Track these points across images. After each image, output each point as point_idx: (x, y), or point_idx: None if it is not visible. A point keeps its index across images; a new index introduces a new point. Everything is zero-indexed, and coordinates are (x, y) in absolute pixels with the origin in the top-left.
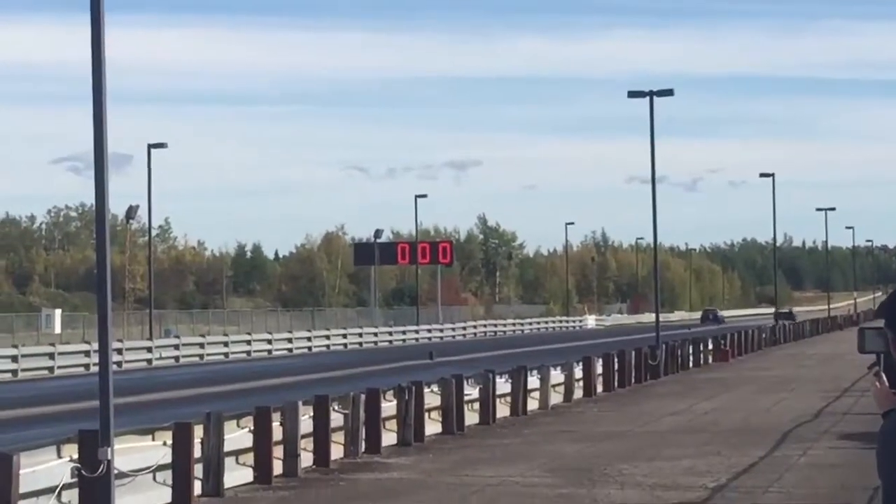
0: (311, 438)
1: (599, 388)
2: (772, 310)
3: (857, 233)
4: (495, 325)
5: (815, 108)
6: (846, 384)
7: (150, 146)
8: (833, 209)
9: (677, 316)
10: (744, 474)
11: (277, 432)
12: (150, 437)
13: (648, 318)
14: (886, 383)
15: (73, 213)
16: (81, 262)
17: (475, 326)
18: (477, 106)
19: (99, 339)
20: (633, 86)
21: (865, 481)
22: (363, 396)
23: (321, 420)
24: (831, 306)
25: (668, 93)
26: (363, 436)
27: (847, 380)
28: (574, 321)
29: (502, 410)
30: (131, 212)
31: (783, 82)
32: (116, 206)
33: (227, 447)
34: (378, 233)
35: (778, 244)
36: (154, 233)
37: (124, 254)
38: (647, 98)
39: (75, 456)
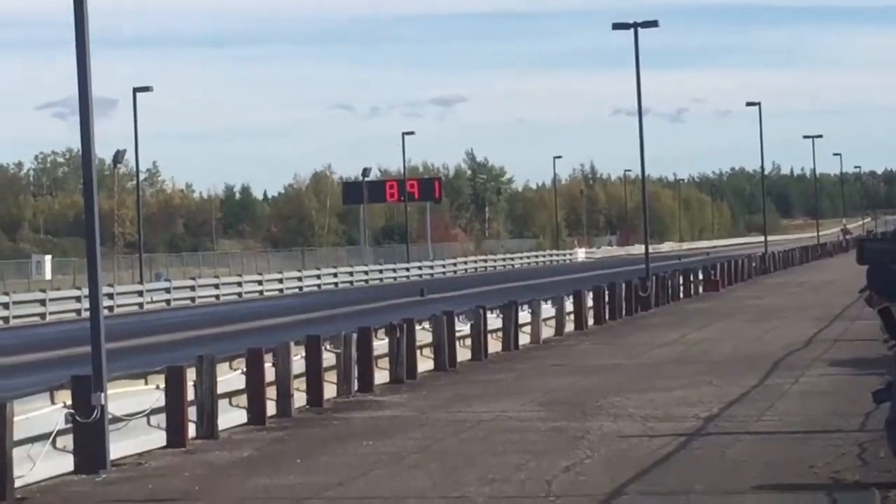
0: (304, 378)
1: (590, 321)
2: (761, 238)
3: (845, 159)
4: (485, 261)
5: (800, 35)
6: (837, 311)
7: (135, 90)
8: (820, 136)
9: (667, 246)
10: (736, 403)
11: (270, 373)
12: (143, 381)
13: (638, 249)
14: None
15: (61, 159)
16: (70, 208)
17: (465, 262)
18: (461, 42)
19: (89, 284)
20: (617, 17)
21: (857, 407)
22: (355, 335)
23: (313, 360)
24: (820, 233)
25: (653, 24)
26: (356, 374)
27: (837, 306)
28: (564, 254)
29: (494, 346)
30: (118, 156)
31: (767, 10)
32: (104, 151)
33: (221, 389)
34: (366, 171)
35: (766, 172)
36: (142, 177)
37: (113, 198)
38: (632, 30)
39: (69, 402)
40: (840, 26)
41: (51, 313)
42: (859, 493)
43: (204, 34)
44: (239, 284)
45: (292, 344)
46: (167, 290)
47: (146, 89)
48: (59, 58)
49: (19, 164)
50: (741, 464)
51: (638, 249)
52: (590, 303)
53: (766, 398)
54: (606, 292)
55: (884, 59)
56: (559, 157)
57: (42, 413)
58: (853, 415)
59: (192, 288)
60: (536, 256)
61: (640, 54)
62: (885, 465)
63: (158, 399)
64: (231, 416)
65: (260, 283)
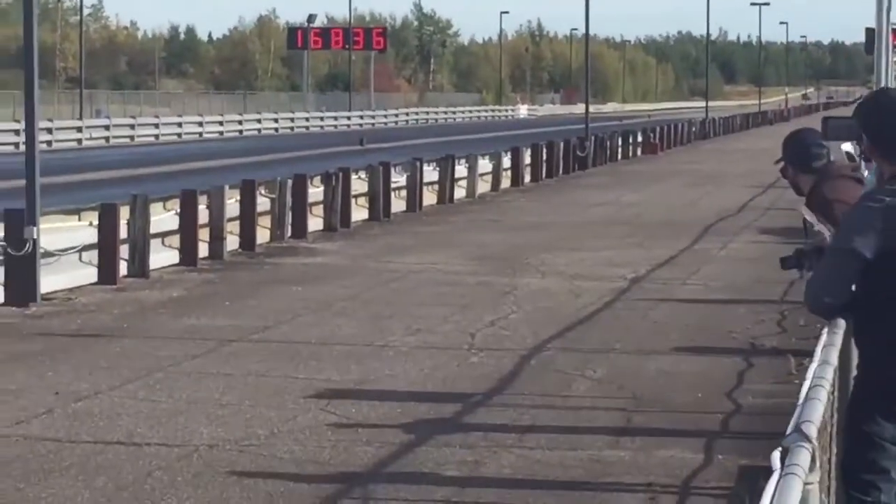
0: (238, 222)
1: (527, 179)
2: (704, 103)
3: (791, 28)
4: (427, 113)
5: None
6: (771, 179)
7: None
8: (767, 4)
9: (610, 107)
10: (663, 266)
11: (204, 215)
12: (77, 217)
13: (581, 109)
14: None
15: None
16: (13, 40)
17: (407, 114)
18: None
19: (25, 117)
20: None
21: (783, 275)
22: (290, 181)
23: (248, 204)
24: (763, 101)
25: None
26: (289, 221)
27: (773, 174)
28: (506, 111)
29: (429, 198)
30: None
31: None
32: None
33: (154, 229)
34: (311, 17)
35: (712, 38)
36: (86, 12)
37: (56, 32)
38: None
39: (1, 234)
40: None
41: None
42: (775, 359)
43: None
44: (179, 125)
45: (227, 187)
46: (107, 128)
47: None
48: None
49: None
50: (663, 325)
51: (580, 109)
52: (528, 160)
53: (693, 262)
54: (545, 150)
55: None
56: (506, 12)
57: None
58: (777, 282)
59: (132, 126)
60: (479, 111)
61: None
62: (802, 333)
63: (91, 235)
64: (163, 256)
65: (200, 124)
